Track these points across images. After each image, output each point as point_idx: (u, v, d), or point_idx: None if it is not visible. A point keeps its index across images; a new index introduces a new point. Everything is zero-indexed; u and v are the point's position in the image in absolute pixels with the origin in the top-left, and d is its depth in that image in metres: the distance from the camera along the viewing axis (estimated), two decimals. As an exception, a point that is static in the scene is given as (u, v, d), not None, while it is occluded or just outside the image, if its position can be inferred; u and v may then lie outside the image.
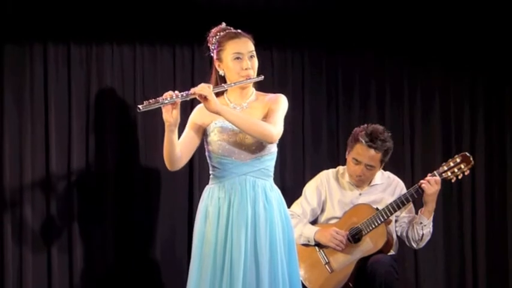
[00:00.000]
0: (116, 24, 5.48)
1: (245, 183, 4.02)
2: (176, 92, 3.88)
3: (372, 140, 4.83)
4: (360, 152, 4.85)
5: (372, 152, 4.84)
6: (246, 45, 4.07)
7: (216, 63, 4.11)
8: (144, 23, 5.52)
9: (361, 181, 4.94)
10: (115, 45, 5.51)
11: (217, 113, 3.89)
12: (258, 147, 4.03)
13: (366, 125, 4.94)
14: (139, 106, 3.82)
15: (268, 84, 5.54)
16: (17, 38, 5.36)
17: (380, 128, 4.92)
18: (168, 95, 3.86)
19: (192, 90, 3.89)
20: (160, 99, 3.83)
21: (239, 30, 4.12)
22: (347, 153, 4.95)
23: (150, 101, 3.83)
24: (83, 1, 5.40)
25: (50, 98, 5.40)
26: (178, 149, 4.00)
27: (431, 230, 4.92)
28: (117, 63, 5.53)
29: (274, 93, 4.24)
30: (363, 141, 4.82)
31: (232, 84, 4.03)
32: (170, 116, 3.87)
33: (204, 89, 3.87)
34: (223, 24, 4.15)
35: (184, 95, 3.88)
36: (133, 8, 5.48)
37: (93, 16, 5.43)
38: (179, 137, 4.03)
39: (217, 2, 5.59)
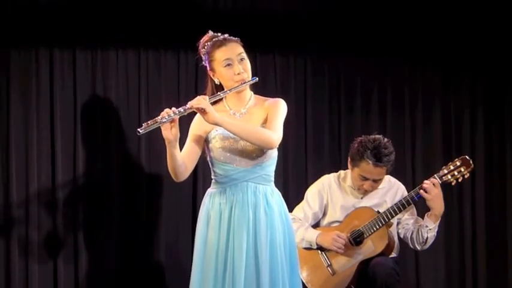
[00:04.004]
0: (121, 29, 5.51)
1: (246, 190, 4.03)
2: (173, 108, 3.86)
3: (379, 159, 4.83)
4: (367, 169, 4.86)
5: (379, 169, 4.87)
6: (234, 49, 4.05)
7: (210, 74, 4.11)
8: (149, 28, 5.55)
9: (368, 192, 4.99)
10: (120, 50, 5.55)
11: (216, 124, 3.91)
12: (259, 154, 4.04)
13: (367, 139, 4.92)
14: (139, 130, 3.82)
15: (271, 88, 5.63)
16: (23, 43, 5.41)
17: (382, 141, 4.90)
18: (166, 113, 3.86)
19: (189, 104, 3.88)
20: (158, 118, 3.83)
21: (226, 35, 4.08)
22: (350, 165, 4.95)
23: (149, 122, 3.83)
24: (88, 7, 5.43)
25: (55, 102, 5.45)
26: (181, 161, 4.02)
27: (435, 234, 4.94)
28: (122, 68, 5.56)
29: (277, 97, 4.24)
30: (370, 161, 4.83)
31: (228, 92, 4.03)
32: (170, 133, 3.89)
33: (200, 101, 3.87)
34: (210, 32, 4.13)
35: (182, 110, 3.87)
36: (138, 13, 5.51)
37: (98, 21, 5.47)
38: (181, 147, 4.05)
39: (220, 8, 5.63)
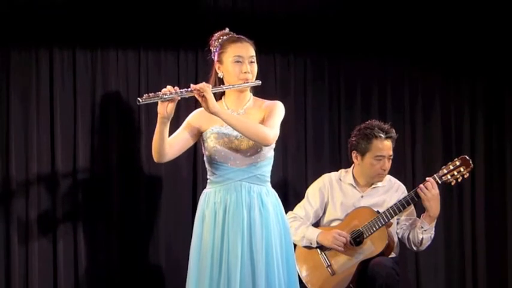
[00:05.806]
0: (121, 29, 5.50)
1: (240, 189, 4.07)
2: (176, 87, 3.95)
3: (386, 131, 4.99)
4: (381, 146, 4.96)
5: (390, 142, 4.99)
6: (247, 49, 4.14)
7: (216, 65, 4.18)
8: (149, 28, 5.54)
9: (385, 174, 5.03)
10: (120, 50, 5.54)
11: (214, 113, 3.93)
12: (253, 153, 4.08)
13: (363, 125, 5.05)
14: (139, 99, 3.89)
15: (271, 88, 5.63)
16: (24, 43, 5.39)
17: (376, 120, 5.07)
18: (168, 90, 3.92)
19: (192, 86, 3.94)
20: (160, 93, 3.90)
21: (242, 36, 4.20)
22: (359, 156, 5.00)
23: (150, 94, 3.90)
24: (87, 7, 5.43)
25: (55, 102, 5.43)
26: (167, 143, 4.05)
27: (432, 236, 4.96)
28: (122, 67, 5.55)
29: (277, 98, 4.30)
30: (382, 135, 4.96)
31: (231, 86, 4.09)
32: (165, 109, 3.94)
33: (203, 88, 3.92)
34: (227, 30, 4.24)
35: (184, 92, 3.93)
36: (138, 13, 5.50)
37: (98, 21, 5.46)
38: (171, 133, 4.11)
39: (220, 8, 5.62)
